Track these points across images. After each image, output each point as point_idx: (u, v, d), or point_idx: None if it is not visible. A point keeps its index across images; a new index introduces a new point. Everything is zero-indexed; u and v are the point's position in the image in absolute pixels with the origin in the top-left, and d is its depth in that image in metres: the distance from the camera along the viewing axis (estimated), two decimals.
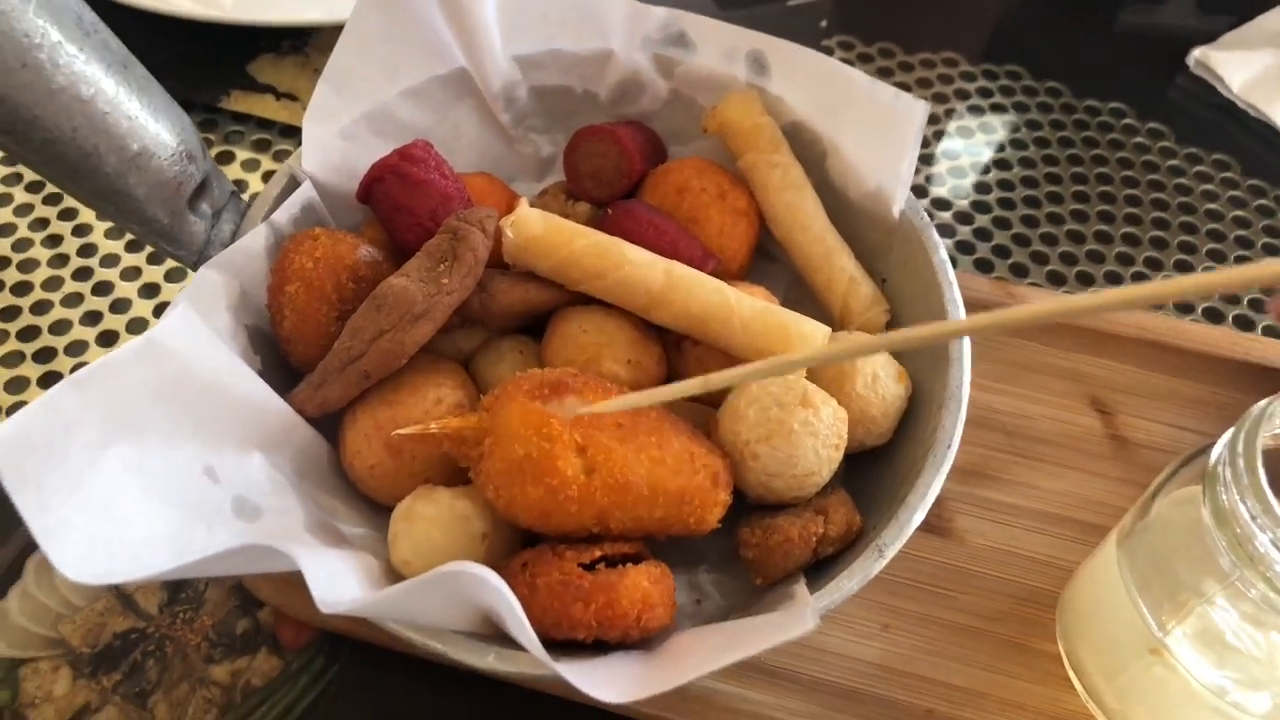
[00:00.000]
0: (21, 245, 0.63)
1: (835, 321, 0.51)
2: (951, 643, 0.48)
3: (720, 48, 0.55)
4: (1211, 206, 0.70)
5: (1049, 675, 0.47)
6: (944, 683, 0.47)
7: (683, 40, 0.56)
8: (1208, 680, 0.38)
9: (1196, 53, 0.77)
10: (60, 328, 0.59)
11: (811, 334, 0.45)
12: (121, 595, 0.48)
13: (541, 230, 0.47)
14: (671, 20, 0.56)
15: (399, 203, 0.49)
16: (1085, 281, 0.66)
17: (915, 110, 0.50)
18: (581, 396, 0.41)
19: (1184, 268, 0.67)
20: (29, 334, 0.59)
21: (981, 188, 0.71)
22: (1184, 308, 0.65)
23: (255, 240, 0.46)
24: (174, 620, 0.48)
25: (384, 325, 0.43)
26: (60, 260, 0.63)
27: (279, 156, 0.69)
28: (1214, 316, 0.64)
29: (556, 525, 0.40)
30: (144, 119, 0.43)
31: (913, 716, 0.46)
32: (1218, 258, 0.67)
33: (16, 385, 0.57)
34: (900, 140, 0.50)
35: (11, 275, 0.61)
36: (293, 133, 0.70)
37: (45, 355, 0.58)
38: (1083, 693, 0.46)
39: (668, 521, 0.41)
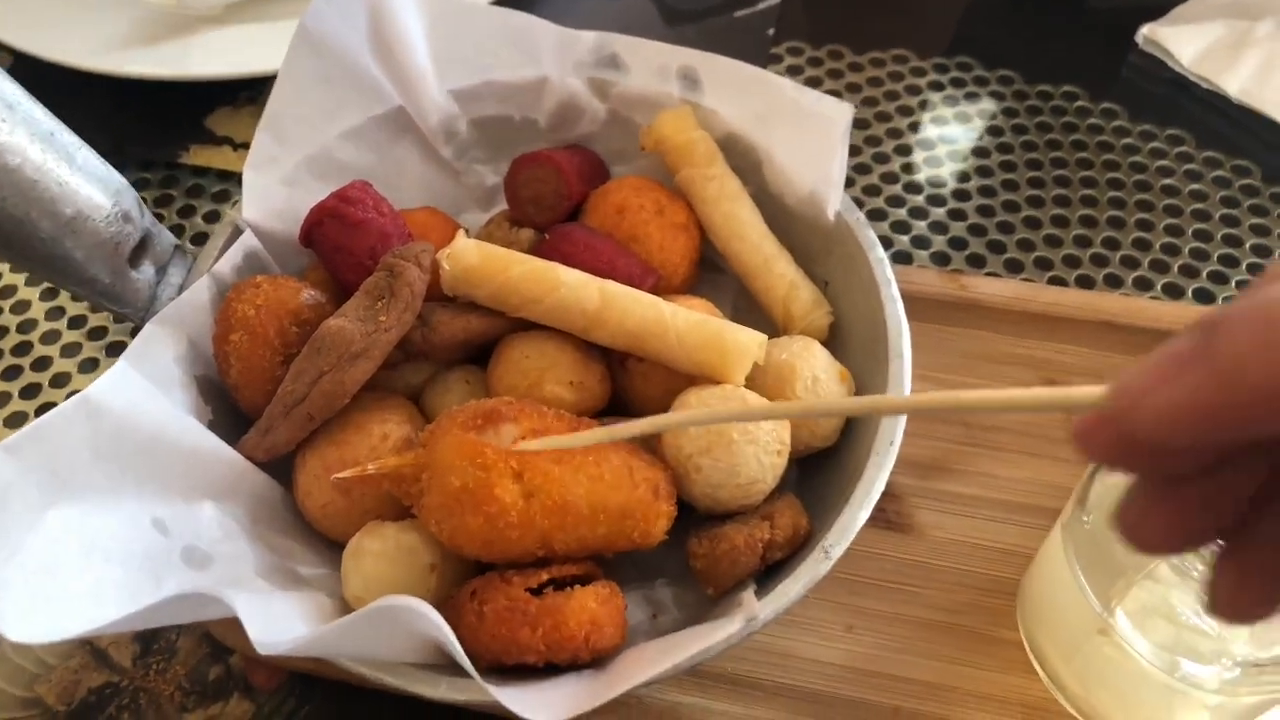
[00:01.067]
0: None
1: (779, 327, 0.52)
2: (917, 639, 0.48)
3: (652, 67, 0.56)
4: (1168, 182, 0.70)
5: (1014, 663, 0.47)
6: (910, 679, 0.47)
7: (615, 62, 0.57)
8: (1153, 657, 0.38)
9: (1145, 30, 0.77)
10: None
11: (746, 342, 0.45)
12: (95, 651, 0.49)
13: (477, 260, 0.48)
14: (602, 43, 0.57)
15: (339, 244, 0.49)
16: (1044, 267, 0.66)
17: (840, 113, 0.51)
18: (517, 424, 0.42)
19: (1142, 245, 0.67)
20: None
21: (936, 182, 0.71)
22: (1143, 284, 0.64)
23: (199, 292, 0.47)
24: (148, 671, 0.49)
25: (323, 367, 0.44)
26: None
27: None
28: (1174, 292, 0.64)
29: (501, 553, 0.41)
30: (75, 184, 0.44)
31: (880, 715, 0.46)
32: (1175, 232, 0.67)
33: None
34: (828, 143, 0.51)
35: None
36: None
37: None
38: (1045, 679, 0.46)
39: (612, 539, 0.42)
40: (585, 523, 0.41)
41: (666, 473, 0.44)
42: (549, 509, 0.40)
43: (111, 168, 0.47)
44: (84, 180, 0.45)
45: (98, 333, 0.63)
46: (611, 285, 0.47)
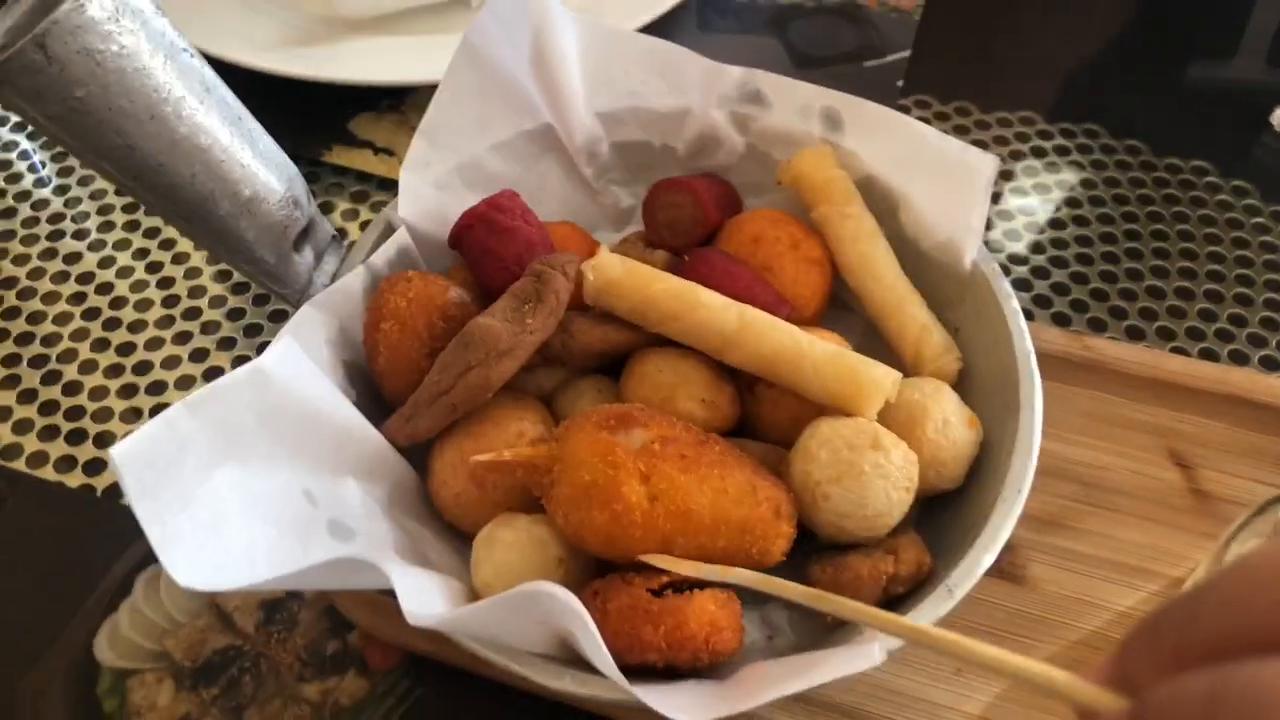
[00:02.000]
0: (140, 286, 0.68)
1: (908, 368, 0.52)
2: (1026, 690, 0.48)
3: (795, 105, 0.58)
4: None
5: None
6: None
7: (759, 98, 0.58)
8: None
9: (1279, 111, 0.77)
10: (171, 363, 0.63)
11: (881, 379, 0.46)
12: (221, 614, 0.51)
13: (620, 274, 0.49)
14: (748, 79, 0.58)
15: (487, 248, 0.51)
16: (1166, 336, 0.65)
17: (984, 164, 0.51)
18: (647, 429, 0.43)
19: (1271, 325, 0.66)
20: (144, 368, 0.63)
21: (1058, 243, 0.71)
22: (1270, 364, 0.64)
23: (353, 281, 0.49)
24: (269, 639, 0.50)
25: (471, 361, 0.46)
26: (172, 300, 0.67)
27: (375, 207, 0.73)
28: None
29: (623, 550, 0.42)
30: (255, 167, 0.47)
31: None
32: None
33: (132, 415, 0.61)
34: (970, 193, 0.52)
35: (128, 314, 0.66)
36: (389, 185, 0.74)
37: (157, 387, 0.62)
38: None
39: (731, 552, 0.43)
40: (706, 532, 0.42)
41: (789, 495, 0.44)
42: (672, 513, 0.41)
43: (287, 156, 0.49)
44: (263, 165, 0.48)
45: (261, 299, 0.66)
46: (750, 311, 0.48)
